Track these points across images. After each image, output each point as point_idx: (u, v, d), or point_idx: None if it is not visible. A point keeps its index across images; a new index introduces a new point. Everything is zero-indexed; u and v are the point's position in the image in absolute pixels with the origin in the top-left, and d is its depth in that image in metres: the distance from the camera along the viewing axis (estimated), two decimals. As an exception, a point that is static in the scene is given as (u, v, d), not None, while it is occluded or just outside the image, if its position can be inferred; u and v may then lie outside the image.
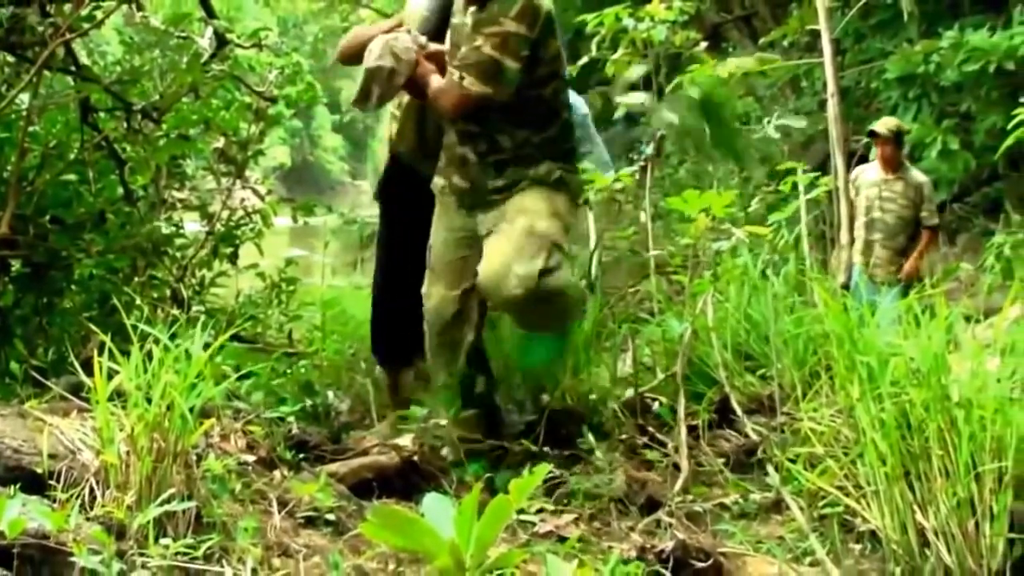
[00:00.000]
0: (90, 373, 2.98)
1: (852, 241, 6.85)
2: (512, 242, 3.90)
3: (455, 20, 4.12)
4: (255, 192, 5.36)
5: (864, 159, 7.49)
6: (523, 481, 2.41)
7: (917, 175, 6.91)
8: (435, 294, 4.17)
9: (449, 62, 4.03)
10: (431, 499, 2.53)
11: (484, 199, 4.10)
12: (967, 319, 4.23)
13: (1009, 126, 4.80)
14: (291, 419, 3.89)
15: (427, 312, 4.21)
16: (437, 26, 4.42)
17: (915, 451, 3.33)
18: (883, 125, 6.98)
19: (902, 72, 6.98)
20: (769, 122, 6.60)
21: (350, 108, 5.39)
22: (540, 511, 3.64)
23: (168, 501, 2.79)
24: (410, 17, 4.56)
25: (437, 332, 4.20)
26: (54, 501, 2.84)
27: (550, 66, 3.97)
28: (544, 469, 2.85)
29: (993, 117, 6.58)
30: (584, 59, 5.78)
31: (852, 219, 6.89)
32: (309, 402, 4.24)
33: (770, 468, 3.93)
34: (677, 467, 4.02)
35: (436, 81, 4.03)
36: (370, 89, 4.03)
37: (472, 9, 4.02)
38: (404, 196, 4.79)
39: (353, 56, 4.46)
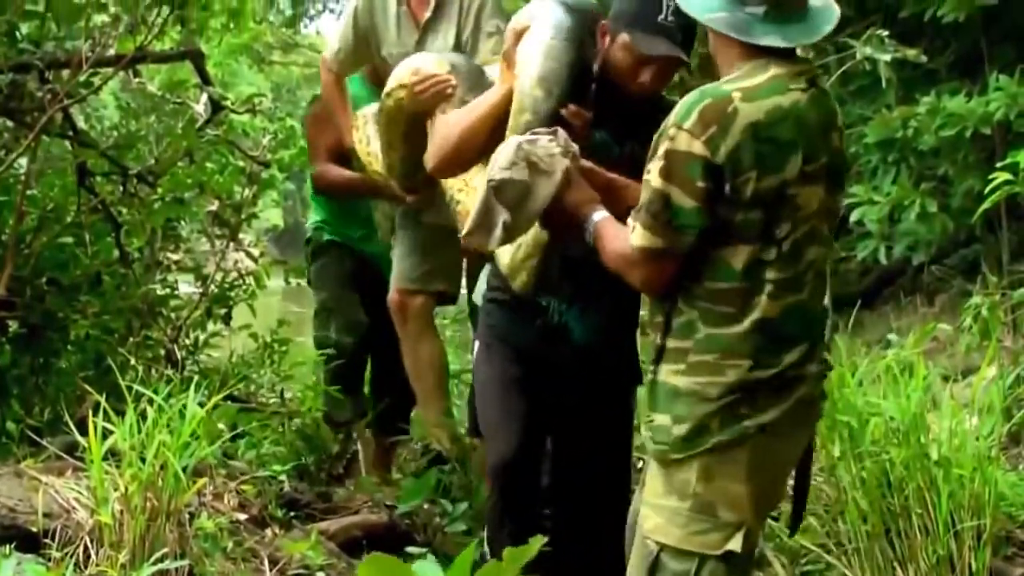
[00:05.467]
0: (85, 433, 3.03)
1: None
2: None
3: None
4: (248, 254, 5.39)
5: (844, 221, 7.57)
6: (519, 551, 2.38)
7: None
8: None
9: None
10: (421, 566, 2.54)
11: None
12: (945, 379, 4.29)
13: (986, 190, 4.87)
14: (283, 478, 3.92)
15: None
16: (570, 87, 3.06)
17: (895, 509, 3.39)
18: None
19: (881, 137, 7.03)
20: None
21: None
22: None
23: (161, 560, 2.82)
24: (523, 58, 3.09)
25: None
26: (49, 560, 2.87)
27: (746, 215, 2.38)
28: (539, 541, 2.85)
29: (970, 181, 6.64)
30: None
31: None
32: (300, 460, 4.27)
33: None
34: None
35: (611, 232, 2.58)
36: (492, 217, 2.69)
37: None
38: None
39: (458, 163, 3.28)
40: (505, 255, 3.14)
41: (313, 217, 5.09)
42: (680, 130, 2.35)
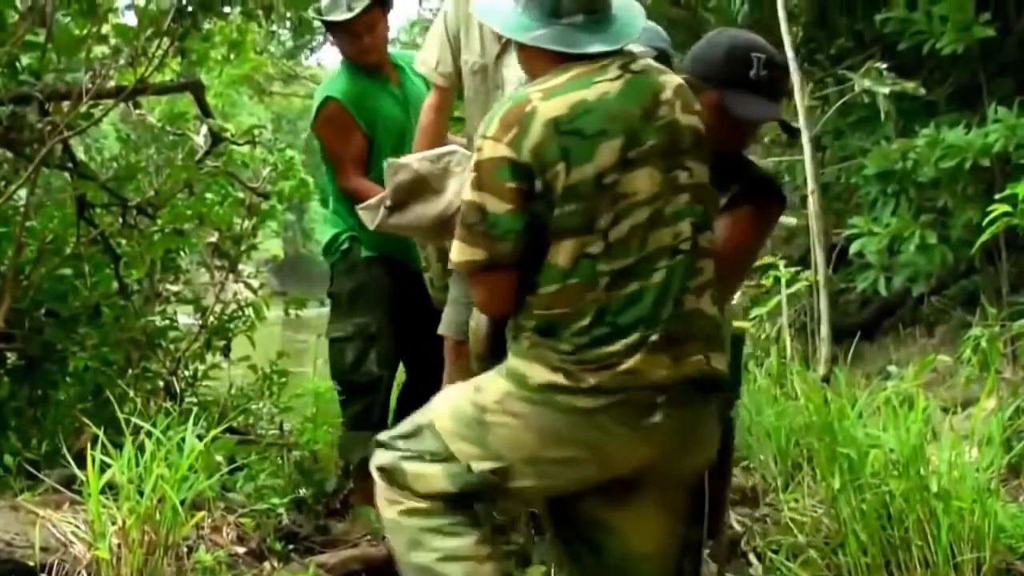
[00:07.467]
0: (83, 465, 3.02)
1: None
2: None
3: None
4: (248, 286, 5.38)
5: (844, 252, 7.59)
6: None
7: None
8: None
9: None
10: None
11: None
12: (945, 410, 4.29)
13: (985, 221, 4.88)
14: (281, 510, 3.91)
15: None
16: None
17: (895, 541, 3.37)
18: None
19: (880, 168, 7.05)
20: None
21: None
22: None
23: (159, 593, 2.81)
24: None
25: None
26: (46, 594, 2.87)
27: (563, 209, 2.38)
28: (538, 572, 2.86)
29: (969, 212, 6.64)
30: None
31: None
32: (299, 493, 4.26)
33: (753, 558, 3.96)
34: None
35: None
36: (383, 197, 2.84)
37: None
38: None
39: None
40: None
41: (340, 225, 4.47)
42: (484, 139, 2.40)
